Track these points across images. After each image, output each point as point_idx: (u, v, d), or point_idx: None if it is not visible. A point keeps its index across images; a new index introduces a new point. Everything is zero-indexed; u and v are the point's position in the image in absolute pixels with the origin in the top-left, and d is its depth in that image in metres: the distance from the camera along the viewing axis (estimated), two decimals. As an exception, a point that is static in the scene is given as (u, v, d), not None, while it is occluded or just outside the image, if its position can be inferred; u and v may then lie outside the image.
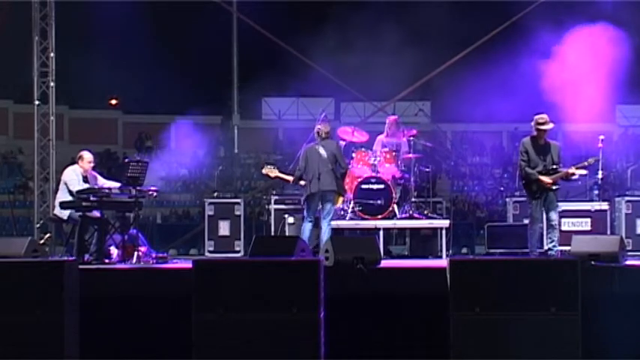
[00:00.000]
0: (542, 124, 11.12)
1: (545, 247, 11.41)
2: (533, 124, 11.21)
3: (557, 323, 7.50)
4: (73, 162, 11.83)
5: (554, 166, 11.06)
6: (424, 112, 23.07)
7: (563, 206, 12.81)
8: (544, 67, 17.48)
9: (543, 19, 17.29)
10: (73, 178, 11.31)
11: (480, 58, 18.71)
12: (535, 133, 11.16)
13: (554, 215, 11.11)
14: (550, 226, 11.20)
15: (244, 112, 30.53)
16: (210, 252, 14.11)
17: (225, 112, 29.69)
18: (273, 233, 13.60)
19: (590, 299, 7.87)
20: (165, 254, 12.19)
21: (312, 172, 11.78)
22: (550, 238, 11.18)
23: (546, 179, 10.97)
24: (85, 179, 11.44)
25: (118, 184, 11.42)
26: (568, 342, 7.48)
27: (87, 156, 11.59)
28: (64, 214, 11.31)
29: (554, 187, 11.05)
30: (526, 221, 13.20)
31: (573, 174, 11.14)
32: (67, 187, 11.27)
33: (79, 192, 11.03)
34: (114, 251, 11.29)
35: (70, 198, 11.20)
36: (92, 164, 11.61)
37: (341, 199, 12.44)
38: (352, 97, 23.06)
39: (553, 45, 17.31)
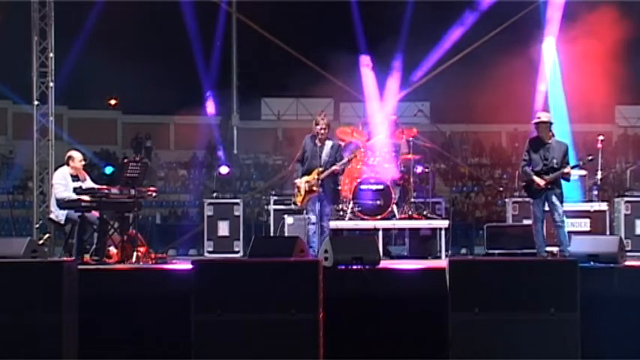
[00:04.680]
0: (536, 118, 11.09)
1: (556, 250, 11.19)
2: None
3: (556, 324, 7.49)
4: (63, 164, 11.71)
5: (557, 166, 10.87)
6: (423, 113, 23.06)
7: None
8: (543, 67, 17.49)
9: (543, 19, 17.31)
10: (60, 182, 11.23)
11: (480, 58, 18.72)
12: (536, 132, 11.11)
13: (556, 216, 10.90)
14: (555, 227, 10.96)
15: (243, 112, 30.54)
16: (209, 252, 14.11)
17: (224, 113, 29.69)
18: (272, 234, 13.61)
19: (589, 300, 7.86)
20: (164, 254, 12.18)
21: None
22: (558, 239, 10.92)
23: (538, 180, 10.84)
24: (77, 178, 11.40)
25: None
26: (567, 342, 7.48)
27: (77, 155, 11.53)
28: (61, 217, 11.26)
29: (550, 187, 10.83)
30: (525, 222, 13.22)
31: (568, 173, 10.92)
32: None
33: (74, 190, 11.00)
34: (113, 252, 11.28)
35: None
36: (83, 162, 11.55)
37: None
38: (351, 98, 23.05)
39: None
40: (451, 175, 27.75)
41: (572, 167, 11.04)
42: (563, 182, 11.04)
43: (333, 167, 11.59)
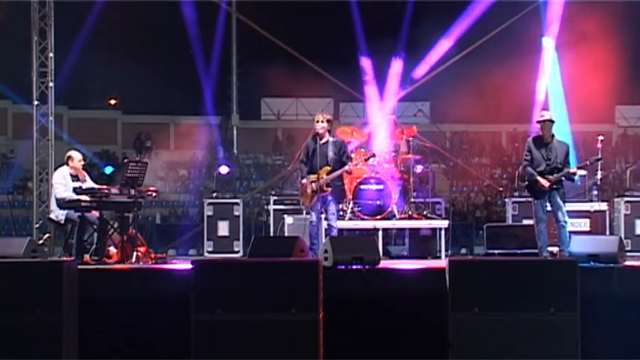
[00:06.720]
0: (540, 116, 11.06)
1: (556, 250, 11.12)
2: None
3: (556, 323, 7.49)
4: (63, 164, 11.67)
5: (559, 166, 10.80)
6: (423, 113, 23.09)
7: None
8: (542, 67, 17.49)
9: (543, 19, 17.32)
10: (60, 182, 11.21)
11: (480, 58, 18.73)
12: (539, 132, 11.05)
13: (560, 216, 10.80)
14: (558, 227, 10.85)
15: (243, 112, 30.57)
16: (209, 252, 14.11)
17: (224, 113, 29.72)
18: (272, 234, 13.61)
19: (589, 300, 7.87)
20: (164, 255, 12.17)
21: None
22: (560, 239, 10.83)
23: (543, 180, 10.76)
24: (77, 178, 11.40)
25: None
26: (567, 342, 7.47)
27: (76, 155, 11.50)
28: (61, 217, 11.26)
29: (554, 187, 10.76)
30: (525, 222, 13.21)
31: (574, 173, 10.86)
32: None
33: (74, 190, 11.00)
34: (113, 252, 11.27)
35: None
36: (82, 162, 11.53)
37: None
38: (351, 98, 23.08)
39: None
40: (451, 175, 27.75)
41: (580, 167, 10.96)
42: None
43: (346, 167, 11.20)
